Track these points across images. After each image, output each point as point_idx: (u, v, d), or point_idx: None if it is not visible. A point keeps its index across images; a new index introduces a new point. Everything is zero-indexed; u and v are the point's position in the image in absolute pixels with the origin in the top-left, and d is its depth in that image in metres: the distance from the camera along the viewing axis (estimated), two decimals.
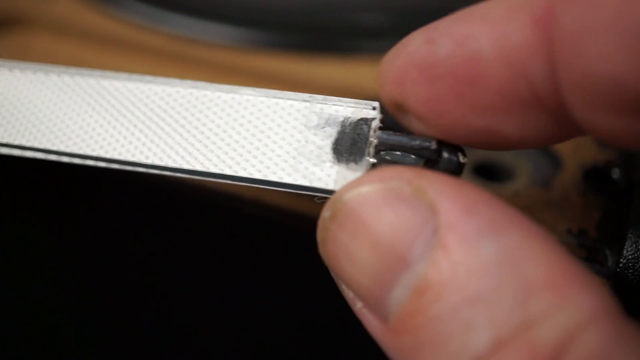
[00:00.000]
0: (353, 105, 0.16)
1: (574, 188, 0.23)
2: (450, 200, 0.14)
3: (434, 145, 0.16)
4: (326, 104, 0.17)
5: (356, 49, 0.32)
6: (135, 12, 0.35)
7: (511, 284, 0.12)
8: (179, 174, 0.17)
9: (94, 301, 0.33)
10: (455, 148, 0.16)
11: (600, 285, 0.13)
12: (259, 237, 0.26)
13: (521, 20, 0.14)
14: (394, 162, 0.16)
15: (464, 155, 0.16)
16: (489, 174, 0.25)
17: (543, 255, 0.13)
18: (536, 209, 0.23)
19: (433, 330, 0.13)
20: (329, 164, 0.16)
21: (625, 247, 0.20)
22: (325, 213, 0.15)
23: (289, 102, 0.17)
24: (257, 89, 0.17)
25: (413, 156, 0.16)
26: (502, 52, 0.14)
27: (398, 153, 0.16)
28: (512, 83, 0.14)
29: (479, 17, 0.15)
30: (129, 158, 0.18)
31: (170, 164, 0.17)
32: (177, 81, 0.19)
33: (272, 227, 0.24)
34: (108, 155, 0.18)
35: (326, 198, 0.16)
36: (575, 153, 0.25)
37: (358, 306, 0.15)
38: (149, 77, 0.19)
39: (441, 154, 0.16)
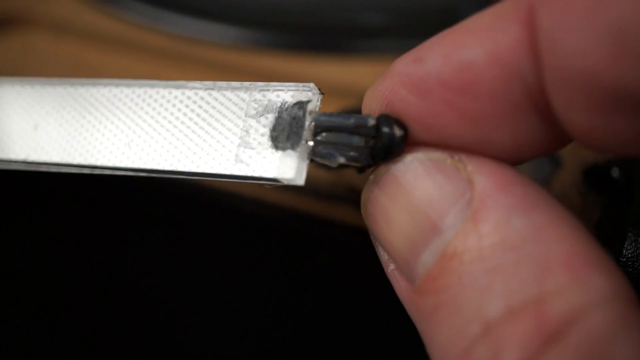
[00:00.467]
0: (291, 88, 0.16)
1: (574, 187, 0.24)
2: (487, 176, 0.14)
3: (371, 122, 0.16)
4: (266, 90, 0.17)
5: (356, 49, 0.32)
6: (135, 12, 0.35)
7: (531, 259, 0.13)
8: (128, 173, 0.17)
9: (93, 301, 0.33)
10: (392, 121, 0.16)
11: (617, 270, 0.13)
12: (260, 235, 0.26)
13: (507, 23, 0.14)
14: (331, 144, 0.16)
15: (401, 127, 0.15)
16: None
17: (566, 236, 0.13)
18: None
19: (452, 293, 0.14)
20: (270, 150, 0.16)
21: (625, 246, 0.20)
22: (371, 177, 0.16)
23: (233, 92, 0.17)
24: (205, 82, 0.17)
25: (354, 136, 0.16)
26: (492, 55, 0.14)
27: (337, 133, 0.16)
28: (505, 86, 0.14)
29: (466, 29, 0.15)
30: (75, 160, 0.18)
31: (117, 164, 0.17)
32: (132, 81, 0.18)
33: (273, 225, 0.24)
34: (62, 161, 0.18)
35: (275, 184, 0.16)
36: (574, 152, 0.25)
37: (390, 268, 0.16)
38: (103, 80, 0.19)
39: (380, 130, 0.16)
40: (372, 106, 0.16)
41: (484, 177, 0.14)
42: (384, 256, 0.16)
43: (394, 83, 0.16)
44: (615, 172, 0.24)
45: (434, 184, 0.15)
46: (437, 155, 0.15)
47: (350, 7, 0.35)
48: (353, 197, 0.24)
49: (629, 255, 0.20)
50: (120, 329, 0.33)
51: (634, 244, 0.20)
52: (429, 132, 0.15)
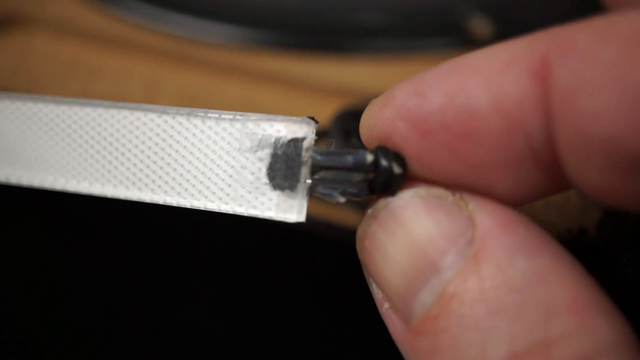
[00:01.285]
0: (285, 123, 0.16)
1: (574, 189, 0.23)
2: (489, 215, 0.14)
3: (369, 159, 0.15)
4: (258, 124, 0.16)
5: (356, 48, 0.32)
6: (135, 12, 0.35)
7: (536, 302, 0.13)
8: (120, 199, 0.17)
9: (93, 302, 0.33)
10: (391, 155, 0.15)
11: (620, 316, 0.13)
12: (260, 236, 0.26)
13: (517, 73, 0.13)
14: (330, 183, 0.15)
15: (400, 163, 0.15)
16: None
17: (570, 280, 0.13)
18: (536, 208, 0.23)
19: (452, 336, 0.13)
20: (266, 191, 0.15)
21: (625, 247, 0.20)
22: (369, 211, 0.16)
23: (222, 124, 0.16)
24: (189, 110, 0.16)
25: (353, 172, 0.15)
26: (497, 105, 0.14)
27: (335, 171, 0.15)
28: (509, 137, 0.14)
29: (472, 68, 0.14)
30: (64, 187, 0.17)
31: (110, 193, 0.17)
32: (107, 103, 0.17)
33: (273, 226, 0.24)
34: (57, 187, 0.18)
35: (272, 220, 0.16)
36: None
37: (385, 307, 0.15)
38: (91, 101, 0.18)
39: (378, 165, 0.15)
40: (371, 133, 0.16)
41: (485, 216, 0.14)
42: (378, 294, 0.16)
43: (393, 116, 0.15)
44: None
45: (434, 222, 0.14)
46: (438, 192, 0.15)
47: (350, 7, 0.35)
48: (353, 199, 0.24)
49: (629, 257, 0.20)
50: (119, 329, 0.33)
51: (633, 246, 0.20)
52: (428, 170, 0.15)
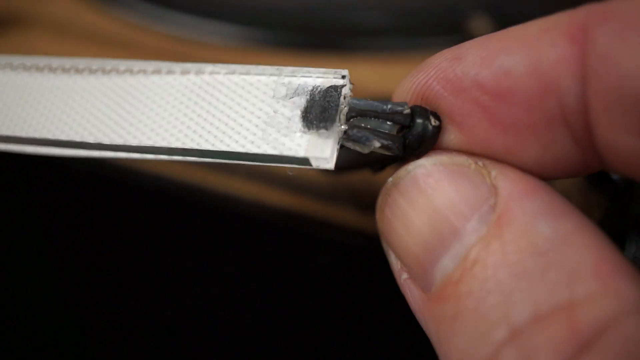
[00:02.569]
0: (322, 74, 0.16)
1: (575, 187, 0.23)
2: (511, 182, 0.14)
3: (406, 110, 0.16)
4: (295, 75, 0.16)
5: (356, 48, 0.32)
6: (135, 12, 0.35)
7: (559, 265, 0.13)
8: (146, 154, 0.17)
9: (92, 303, 0.33)
10: (428, 112, 0.16)
11: None
12: (259, 237, 0.26)
13: (555, 38, 0.14)
14: (366, 129, 0.15)
15: (437, 118, 0.15)
16: None
17: (593, 244, 0.13)
18: None
19: (475, 299, 0.13)
20: (299, 133, 0.16)
21: (626, 246, 0.20)
22: (390, 179, 0.16)
23: (257, 77, 0.17)
24: (225, 66, 0.17)
25: (387, 122, 0.16)
26: (533, 66, 0.14)
27: (370, 119, 0.16)
28: (541, 98, 0.14)
29: (512, 35, 0.15)
30: (98, 140, 0.17)
31: (142, 143, 0.17)
32: (148, 64, 0.18)
33: (273, 227, 0.24)
34: (100, 141, 0.17)
35: (303, 167, 0.16)
36: None
37: (403, 277, 0.16)
38: (133, 64, 0.18)
39: (414, 119, 0.15)
40: (404, 97, 0.16)
41: (508, 182, 0.14)
42: (397, 264, 0.16)
43: (429, 77, 0.15)
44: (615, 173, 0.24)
45: (456, 188, 0.14)
46: (460, 159, 0.15)
47: (350, 7, 0.35)
48: (353, 199, 0.24)
49: (630, 256, 0.20)
50: (118, 329, 0.33)
51: (634, 245, 0.20)
52: (458, 130, 0.15)
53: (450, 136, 0.15)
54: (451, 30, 0.32)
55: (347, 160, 0.17)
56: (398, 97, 0.16)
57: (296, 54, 0.31)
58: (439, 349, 0.14)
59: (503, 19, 0.33)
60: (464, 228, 0.14)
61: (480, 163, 0.15)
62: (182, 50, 0.32)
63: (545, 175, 0.15)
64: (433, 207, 0.15)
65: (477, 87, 0.14)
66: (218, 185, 0.25)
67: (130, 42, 0.33)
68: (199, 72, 0.17)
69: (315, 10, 0.34)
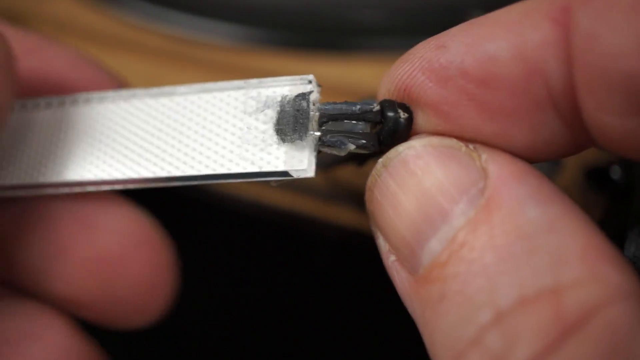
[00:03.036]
0: (289, 82, 0.16)
1: (575, 187, 0.23)
2: (501, 165, 0.14)
3: (376, 107, 0.16)
4: (262, 86, 0.16)
5: (356, 48, 0.32)
6: (135, 12, 0.35)
7: (546, 250, 0.13)
8: (130, 185, 0.17)
9: None
10: (396, 105, 0.16)
11: (630, 267, 0.13)
12: (259, 237, 0.26)
13: (537, 21, 0.14)
14: (339, 133, 0.16)
15: (406, 110, 0.16)
16: None
17: (580, 230, 0.13)
18: None
19: (461, 281, 0.13)
20: (275, 146, 0.16)
21: (626, 246, 0.20)
22: (379, 161, 0.16)
23: (225, 92, 0.17)
24: (193, 85, 0.17)
25: (359, 122, 0.16)
26: (517, 50, 0.14)
27: (343, 122, 0.16)
28: (527, 82, 0.14)
29: (494, 20, 0.15)
30: (76, 177, 0.17)
31: (119, 177, 0.17)
32: (113, 94, 0.18)
33: (272, 227, 0.24)
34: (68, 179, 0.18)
35: (281, 180, 0.16)
36: None
37: (391, 259, 0.16)
38: (91, 95, 0.18)
39: (385, 114, 0.16)
40: (389, 88, 0.16)
41: (498, 166, 0.14)
42: (385, 246, 0.16)
43: (413, 68, 0.15)
44: (615, 172, 0.24)
45: (446, 171, 0.14)
46: (451, 142, 0.15)
47: (350, 6, 0.35)
48: (351, 199, 0.24)
49: (630, 256, 0.19)
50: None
51: (634, 244, 0.20)
52: (445, 120, 0.15)
53: (437, 127, 0.15)
54: None
55: (329, 159, 0.17)
56: (382, 90, 0.16)
57: (296, 54, 0.31)
58: (424, 331, 0.14)
59: None
60: (452, 210, 0.14)
61: (470, 146, 0.15)
62: (182, 50, 0.32)
63: (536, 158, 0.15)
64: (422, 189, 0.15)
65: (462, 75, 0.14)
66: (218, 185, 0.25)
67: (130, 42, 0.33)
68: (171, 94, 0.17)
69: (315, 10, 0.34)
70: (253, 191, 0.24)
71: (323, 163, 0.16)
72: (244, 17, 0.34)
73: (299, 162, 0.15)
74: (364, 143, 0.16)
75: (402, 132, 0.16)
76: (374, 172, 0.16)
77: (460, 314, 0.13)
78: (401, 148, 0.15)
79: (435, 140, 0.15)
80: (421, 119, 0.16)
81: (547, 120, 0.14)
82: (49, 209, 0.18)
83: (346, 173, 0.24)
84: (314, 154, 0.16)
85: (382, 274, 0.23)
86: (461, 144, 0.15)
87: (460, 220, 0.14)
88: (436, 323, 0.14)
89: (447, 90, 0.15)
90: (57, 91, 0.19)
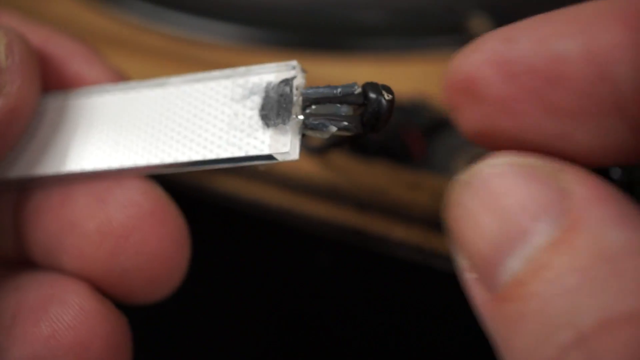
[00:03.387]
0: (274, 69, 0.16)
1: None
2: (584, 186, 0.14)
3: (357, 89, 0.16)
4: (249, 74, 0.17)
5: (357, 48, 0.32)
6: (135, 12, 0.35)
7: (631, 273, 0.13)
8: (126, 173, 0.18)
9: None
10: (379, 87, 0.16)
11: None
12: (258, 236, 0.26)
13: (611, 23, 0.14)
14: (321, 115, 0.16)
15: (389, 92, 0.16)
16: None
17: None
18: None
19: (541, 302, 0.13)
20: (260, 130, 0.16)
21: None
22: (460, 177, 0.16)
23: (215, 81, 0.17)
24: (184, 76, 0.18)
25: (343, 105, 0.16)
26: (588, 51, 0.14)
27: (327, 105, 0.16)
28: (596, 84, 0.14)
29: (565, 17, 0.14)
30: (81, 168, 0.18)
31: (116, 165, 0.18)
32: (112, 87, 0.19)
33: (272, 226, 0.24)
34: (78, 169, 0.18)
35: (268, 164, 0.16)
36: None
37: (469, 276, 0.15)
38: (92, 89, 0.19)
39: (367, 96, 0.16)
40: (452, 79, 0.16)
41: (581, 187, 0.14)
42: (463, 263, 0.16)
43: (480, 59, 0.15)
44: (616, 173, 0.24)
45: (527, 190, 0.14)
46: (532, 160, 0.15)
47: (350, 7, 0.35)
48: (352, 198, 0.24)
49: None
50: None
51: None
52: (508, 116, 0.15)
53: (501, 123, 0.15)
54: (451, 31, 0.32)
55: (323, 145, 0.17)
56: (447, 79, 0.16)
57: (296, 54, 0.32)
58: (502, 349, 0.14)
59: (502, 19, 0.33)
60: (533, 230, 0.14)
61: (552, 165, 0.15)
62: (183, 50, 0.32)
63: (598, 163, 0.15)
64: (503, 208, 0.14)
65: (529, 72, 0.14)
66: (217, 184, 0.25)
67: (130, 42, 0.33)
68: (164, 84, 0.18)
69: (315, 10, 0.34)
70: (254, 190, 0.24)
71: (317, 148, 0.16)
72: (245, 17, 0.34)
73: (283, 145, 0.16)
74: (346, 125, 0.16)
75: (385, 113, 0.16)
76: (453, 188, 0.16)
77: (540, 333, 0.13)
78: (482, 166, 0.15)
79: (517, 158, 0.15)
80: (481, 114, 0.16)
81: (614, 125, 0.14)
82: (60, 187, 0.19)
83: (346, 173, 0.24)
84: (298, 137, 0.16)
85: (383, 274, 0.23)
86: (543, 162, 0.15)
87: (541, 240, 0.14)
88: (514, 343, 0.14)
89: (513, 85, 0.15)
90: (62, 82, 0.19)
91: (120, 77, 0.19)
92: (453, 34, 0.32)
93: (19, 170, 0.19)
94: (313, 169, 0.24)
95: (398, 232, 0.23)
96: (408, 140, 0.25)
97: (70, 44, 0.20)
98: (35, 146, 0.19)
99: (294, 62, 0.16)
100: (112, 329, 0.17)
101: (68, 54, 0.19)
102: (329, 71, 0.30)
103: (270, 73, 0.16)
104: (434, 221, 0.23)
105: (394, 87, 0.30)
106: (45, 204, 0.18)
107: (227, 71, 0.17)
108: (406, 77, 0.30)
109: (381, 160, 0.25)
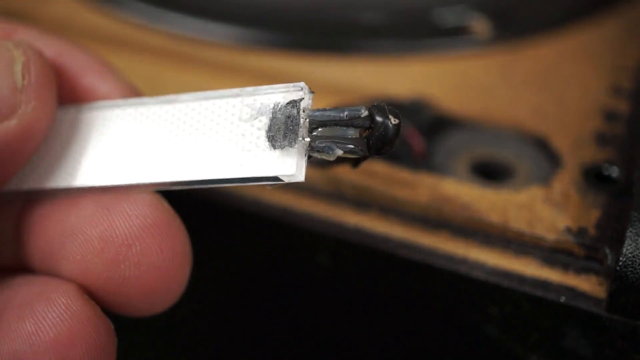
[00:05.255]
0: (282, 90, 0.16)
1: (574, 186, 0.23)
2: None
3: (364, 113, 0.16)
4: (257, 94, 0.17)
5: (356, 48, 0.32)
6: (135, 12, 0.35)
7: None
8: (135, 189, 0.18)
9: None
10: (386, 110, 0.16)
11: None
12: (258, 236, 0.26)
13: None
14: (328, 138, 0.16)
15: (396, 116, 0.16)
16: (489, 173, 0.25)
17: None
18: (536, 207, 0.23)
19: None
20: (267, 152, 0.16)
21: (625, 245, 0.20)
22: None
23: (223, 100, 0.17)
24: (193, 93, 0.18)
25: (349, 128, 0.16)
26: None
27: (334, 127, 0.16)
28: None
29: None
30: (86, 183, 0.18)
31: (123, 182, 0.18)
32: (123, 102, 0.19)
33: (271, 226, 0.24)
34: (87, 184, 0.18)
35: (276, 184, 0.16)
36: (574, 152, 0.25)
37: None
38: (103, 104, 0.19)
39: (374, 120, 0.16)
40: None
41: None
42: None
43: None
44: (615, 172, 0.24)
45: None
46: None
47: (350, 7, 0.35)
48: (352, 197, 0.24)
49: (629, 255, 0.20)
50: (116, 328, 0.33)
51: (633, 244, 0.20)
52: None
53: None
54: (451, 31, 0.32)
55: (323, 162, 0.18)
56: None
57: (296, 54, 0.32)
58: None
59: (502, 20, 0.33)
60: None
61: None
62: (183, 51, 0.32)
63: None
64: None
65: None
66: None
67: (131, 42, 0.33)
68: (173, 102, 0.18)
69: (315, 10, 0.34)
70: (253, 190, 0.24)
71: (321, 162, 0.16)
72: (244, 17, 0.34)
73: (290, 167, 0.16)
74: (352, 148, 0.16)
75: (392, 137, 0.16)
76: None
77: None
78: None
79: None
80: None
81: None
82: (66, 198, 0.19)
83: (346, 173, 0.24)
84: (304, 159, 0.16)
85: (382, 274, 0.23)
86: None
87: None
88: None
89: None
90: (75, 95, 0.20)
91: (132, 90, 0.20)
92: (453, 34, 0.32)
93: (30, 183, 0.19)
94: (313, 169, 0.24)
95: (398, 232, 0.23)
96: (408, 140, 0.25)
97: (84, 57, 0.20)
98: (47, 159, 0.19)
99: (302, 84, 0.16)
100: (96, 331, 0.17)
101: (81, 68, 0.20)
102: (329, 72, 0.30)
103: (278, 93, 0.16)
104: (433, 221, 0.23)
105: (394, 87, 0.30)
106: (50, 211, 0.19)
107: (236, 90, 0.17)
108: (406, 77, 0.30)
109: (382, 160, 0.25)
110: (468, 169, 0.25)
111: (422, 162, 0.25)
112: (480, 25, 0.32)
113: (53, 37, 0.20)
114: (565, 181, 0.24)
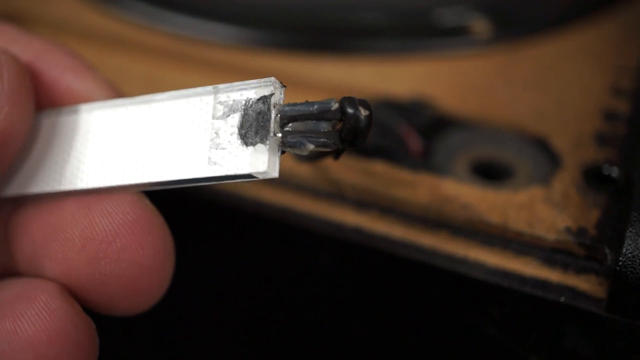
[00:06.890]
0: (254, 86, 0.16)
1: (574, 186, 0.23)
2: None
3: (334, 105, 0.16)
4: (230, 90, 0.17)
5: (356, 48, 0.32)
6: (135, 12, 0.35)
7: None
8: (115, 190, 0.18)
9: None
10: (356, 102, 0.16)
11: None
12: (258, 236, 0.26)
13: None
14: (299, 133, 0.16)
15: (367, 107, 0.16)
16: (488, 173, 0.25)
17: None
18: (536, 207, 0.23)
19: None
20: (240, 149, 0.16)
21: (625, 245, 0.20)
22: None
23: (197, 98, 0.17)
24: (169, 92, 0.18)
25: (321, 122, 0.16)
26: None
27: (306, 122, 0.16)
28: None
29: None
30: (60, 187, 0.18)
31: (105, 184, 0.18)
32: (102, 104, 0.19)
33: (271, 225, 0.24)
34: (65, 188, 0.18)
35: (251, 181, 0.16)
36: (574, 152, 0.25)
37: None
38: (69, 108, 0.19)
39: (345, 112, 0.16)
40: None
41: None
42: None
43: None
44: (615, 172, 0.24)
45: None
46: None
47: (350, 7, 0.35)
48: (352, 197, 0.24)
49: (629, 255, 0.20)
50: (116, 327, 0.33)
51: (633, 244, 0.20)
52: None
53: None
54: (451, 31, 0.32)
55: (312, 155, 0.17)
56: None
57: (296, 54, 0.32)
58: None
59: (502, 20, 0.33)
60: None
61: None
62: (183, 51, 0.32)
63: None
64: None
65: None
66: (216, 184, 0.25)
67: (130, 42, 0.33)
68: (149, 102, 0.18)
69: (315, 10, 0.34)
70: (253, 189, 0.24)
71: (304, 157, 0.16)
72: (244, 17, 0.34)
73: (262, 164, 0.16)
74: (324, 142, 0.16)
75: (363, 128, 0.16)
76: None
77: None
78: None
79: None
80: None
81: None
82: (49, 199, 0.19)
83: (346, 173, 0.24)
84: (277, 155, 0.16)
85: (382, 274, 0.23)
86: None
87: None
88: None
89: None
90: (54, 98, 0.20)
91: (112, 89, 0.19)
92: (453, 34, 0.32)
93: (12, 189, 0.19)
94: (313, 169, 0.24)
95: (398, 232, 0.23)
96: (408, 140, 0.25)
97: (62, 58, 0.19)
98: (28, 164, 0.19)
99: (272, 79, 0.16)
100: (76, 329, 0.17)
101: (60, 69, 0.19)
102: (329, 72, 0.30)
103: (250, 89, 0.16)
104: (433, 221, 0.23)
105: (394, 87, 0.30)
106: (35, 213, 0.19)
107: (210, 87, 0.17)
108: (406, 77, 0.30)
109: (381, 160, 0.25)
110: (468, 169, 0.25)
111: (420, 160, 0.25)
112: (480, 25, 0.32)
113: (32, 36, 0.20)
114: (565, 181, 0.24)
